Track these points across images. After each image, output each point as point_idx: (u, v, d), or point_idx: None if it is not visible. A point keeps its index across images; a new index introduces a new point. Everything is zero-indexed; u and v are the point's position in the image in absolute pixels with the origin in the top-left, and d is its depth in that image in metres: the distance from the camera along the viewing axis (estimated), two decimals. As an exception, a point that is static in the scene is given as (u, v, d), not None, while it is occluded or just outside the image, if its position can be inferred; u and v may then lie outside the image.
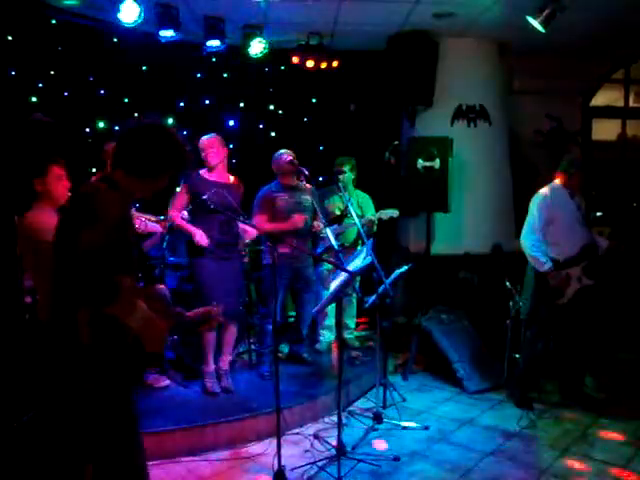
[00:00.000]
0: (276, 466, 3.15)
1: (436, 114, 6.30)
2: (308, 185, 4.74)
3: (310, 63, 6.01)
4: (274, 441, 3.25)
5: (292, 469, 3.39)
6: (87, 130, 5.69)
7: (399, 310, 6.01)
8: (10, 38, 4.98)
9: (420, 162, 5.61)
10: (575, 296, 4.25)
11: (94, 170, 4.85)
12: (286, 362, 4.91)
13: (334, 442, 3.57)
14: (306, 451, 3.72)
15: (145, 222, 4.16)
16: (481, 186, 6.25)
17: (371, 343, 5.50)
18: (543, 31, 4.95)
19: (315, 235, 4.94)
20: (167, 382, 4.37)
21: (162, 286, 3.01)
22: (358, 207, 5.26)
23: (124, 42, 5.55)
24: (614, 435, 3.97)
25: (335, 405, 3.65)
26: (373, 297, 4.12)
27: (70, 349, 2.03)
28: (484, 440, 3.90)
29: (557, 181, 4.36)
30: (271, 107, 6.71)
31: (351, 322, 5.61)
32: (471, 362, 4.97)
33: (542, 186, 4.44)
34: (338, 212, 5.26)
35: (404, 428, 4.06)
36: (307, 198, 4.74)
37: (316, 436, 3.92)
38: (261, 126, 6.62)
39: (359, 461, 3.51)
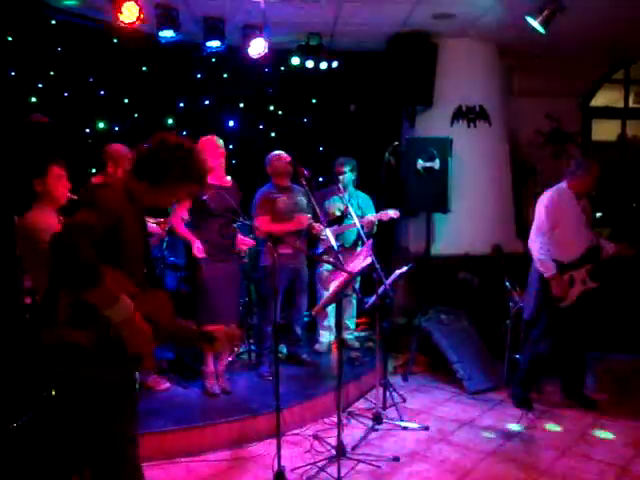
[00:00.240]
0: (276, 467, 3.15)
1: (436, 115, 6.30)
2: (300, 187, 4.72)
3: (310, 63, 6.01)
4: (274, 442, 3.24)
5: (292, 470, 3.39)
6: (87, 130, 5.69)
7: (399, 311, 6.01)
8: (10, 38, 4.98)
9: (420, 163, 5.62)
10: (579, 298, 4.25)
11: (94, 170, 4.85)
12: (286, 363, 4.91)
13: (334, 442, 3.56)
14: (306, 452, 3.72)
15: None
16: (481, 187, 6.25)
17: (371, 344, 5.50)
18: (543, 32, 4.95)
19: (313, 236, 4.94)
20: (167, 385, 4.36)
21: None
22: (358, 208, 5.26)
23: (124, 43, 5.54)
24: (614, 436, 3.97)
25: (335, 406, 3.64)
26: (373, 298, 4.13)
27: (50, 334, 2.01)
28: (484, 440, 3.90)
29: (564, 183, 4.36)
30: (271, 108, 6.71)
31: (351, 323, 5.61)
32: (471, 362, 4.97)
33: (542, 186, 4.44)
34: (338, 213, 5.26)
35: (404, 428, 4.06)
36: (302, 199, 4.75)
37: (316, 437, 3.92)
38: (261, 127, 6.62)
39: (359, 461, 3.51)
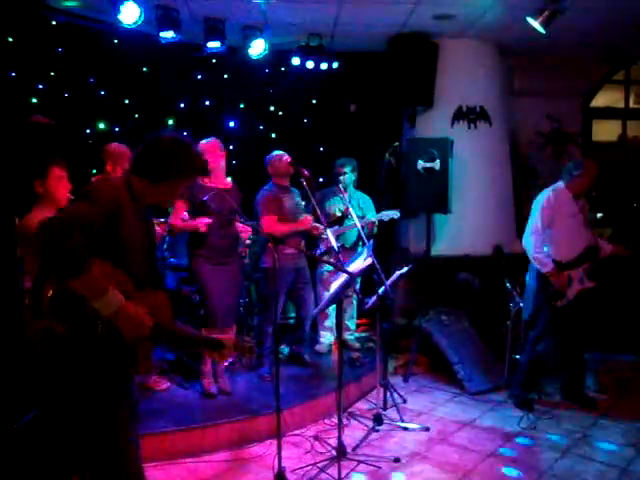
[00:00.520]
0: (276, 467, 3.15)
1: (436, 115, 6.30)
2: (296, 189, 4.72)
3: (310, 64, 6.01)
4: (274, 442, 3.24)
5: (292, 470, 3.39)
6: (87, 131, 5.69)
7: (399, 311, 6.01)
8: (10, 39, 4.98)
9: (420, 163, 5.61)
10: (576, 298, 4.26)
11: (94, 171, 4.85)
12: (286, 363, 4.90)
13: (334, 443, 3.56)
14: (306, 452, 3.72)
15: None
16: (481, 187, 6.25)
17: (371, 344, 5.50)
18: (543, 32, 4.95)
19: (314, 236, 4.95)
20: (167, 385, 4.36)
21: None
22: (359, 208, 5.26)
23: (124, 43, 5.55)
24: (615, 437, 3.96)
25: (335, 406, 3.64)
26: (373, 298, 4.13)
27: (33, 324, 2.00)
28: (484, 441, 3.90)
29: (561, 183, 4.36)
30: (271, 108, 6.72)
31: (351, 323, 5.61)
32: (471, 363, 4.97)
33: (543, 187, 4.44)
34: (339, 213, 5.27)
35: (404, 429, 4.06)
36: (300, 200, 4.77)
37: (316, 437, 3.92)
38: (261, 127, 6.63)
39: (359, 462, 3.51)
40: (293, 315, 5.39)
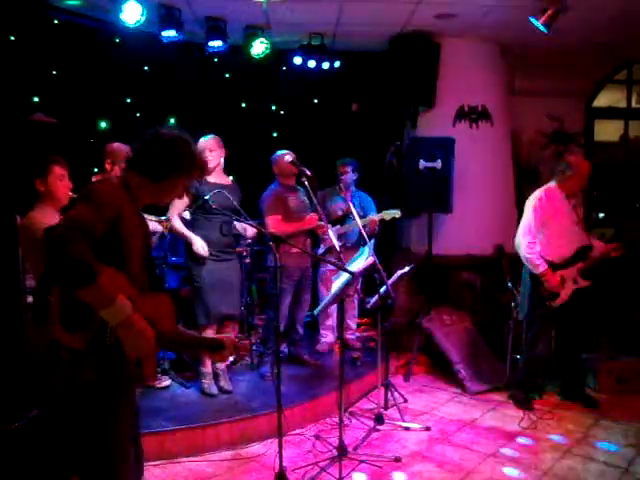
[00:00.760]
0: (277, 467, 3.15)
1: (438, 115, 6.29)
2: (304, 188, 4.70)
3: (312, 63, 6.01)
4: (275, 441, 3.23)
5: (293, 470, 3.40)
6: (89, 130, 5.69)
7: (401, 311, 6.00)
8: (12, 38, 4.98)
9: (422, 163, 5.61)
10: (572, 297, 4.25)
11: (96, 170, 4.85)
12: (287, 363, 4.90)
13: (335, 443, 3.56)
14: (307, 452, 3.72)
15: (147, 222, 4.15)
16: (483, 187, 6.24)
17: (372, 344, 5.50)
18: (546, 32, 4.95)
19: (317, 235, 4.94)
20: (168, 382, 4.36)
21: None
22: (360, 208, 5.26)
23: (126, 43, 5.55)
24: (616, 436, 3.96)
25: (336, 406, 3.64)
26: (375, 298, 4.13)
27: (38, 334, 1.94)
28: (485, 441, 3.90)
29: (552, 183, 4.37)
30: (273, 107, 6.71)
31: (352, 323, 5.60)
32: (472, 363, 4.97)
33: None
34: (340, 213, 5.26)
35: (405, 429, 4.06)
36: (306, 199, 4.76)
37: (317, 437, 3.92)
38: (262, 126, 6.62)
39: (360, 461, 3.51)
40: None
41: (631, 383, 4.82)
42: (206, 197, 3.89)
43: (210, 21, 5.37)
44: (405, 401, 4.57)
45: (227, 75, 6.40)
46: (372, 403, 4.48)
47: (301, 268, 4.71)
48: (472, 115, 6.27)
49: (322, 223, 4.57)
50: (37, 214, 3.20)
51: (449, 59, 6.13)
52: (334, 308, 5.14)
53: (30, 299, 3.50)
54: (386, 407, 4.36)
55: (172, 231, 4.32)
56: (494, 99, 6.40)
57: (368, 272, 3.86)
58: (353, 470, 3.43)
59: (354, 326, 5.65)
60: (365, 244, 3.93)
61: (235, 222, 4.28)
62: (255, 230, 4.32)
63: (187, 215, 4.28)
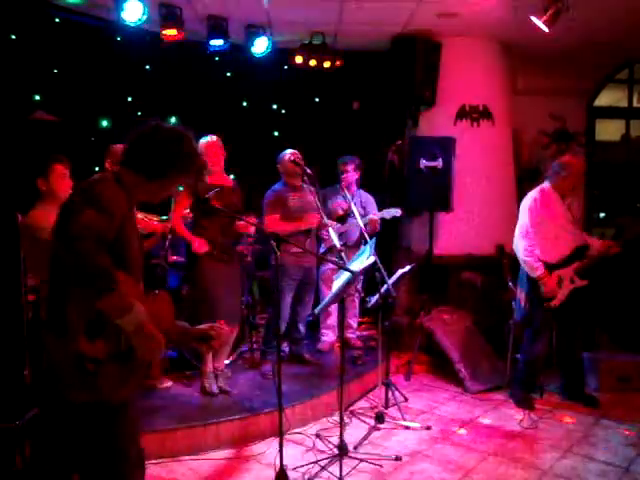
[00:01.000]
0: (278, 465, 3.15)
1: (439, 114, 6.28)
2: (312, 187, 4.68)
3: (313, 62, 6.01)
4: (276, 440, 3.24)
5: (294, 468, 3.39)
6: (90, 128, 5.69)
7: (401, 310, 6.01)
8: (14, 37, 4.99)
9: (423, 162, 5.60)
10: (570, 297, 4.25)
11: (97, 169, 4.85)
12: (288, 362, 4.90)
13: (336, 441, 3.56)
14: (308, 451, 3.72)
15: (147, 221, 4.16)
16: (484, 186, 6.23)
17: (373, 343, 5.49)
18: (547, 31, 4.94)
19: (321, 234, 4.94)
20: (169, 383, 4.36)
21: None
22: (361, 207, 5.25)
23: (127, 41, 5.55)
24: (616, 436, 3.96)
25: (337, 405, 3.64)
26: (375, 297, 4.12)
27: (59, 346, 1.91)
28: (486, 440, 3.90)
29: (547, 184, 4.37)
30: (274, 106, 6.71)
31: (353, 322, 5.61)
32: (473, 362, 4.97)
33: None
34: (341, 211, 5.26)
35: (406, 428, 4.07)
36: (312, 198, 4.74)
37: (318, 436, 3.92)
38: (264, 125, 6.62)
39: (361, 461, 3.51)
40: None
41: (632, 381, 4.82)
42: (207, 197, 3.89)
43: (211, 20, 5.37)
44: (406, 400, 4.57)
45: (228, 74, 6.40)
46: (373, 402, 4.48)
47: (302, 267, 4.70)
48: (473, 114, 6.26)
49: (326, 221, 4.57)
50: (39, 213, 3.21)
51: (450, 58, 6.12)
52: (335, 307, 5.15)
53: (32, 297, 3.52)
54: (387, 406, 4.36)
55: (173, 230, 4.32)
56: (495, 98, 6.39)
57: (369, 271, 3.86)
58: (353, 469, 3.43)
59: (355, 325, 5.65)
60: (366, 243, 3.93)
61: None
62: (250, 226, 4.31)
63: (188, 216, 4.27)
